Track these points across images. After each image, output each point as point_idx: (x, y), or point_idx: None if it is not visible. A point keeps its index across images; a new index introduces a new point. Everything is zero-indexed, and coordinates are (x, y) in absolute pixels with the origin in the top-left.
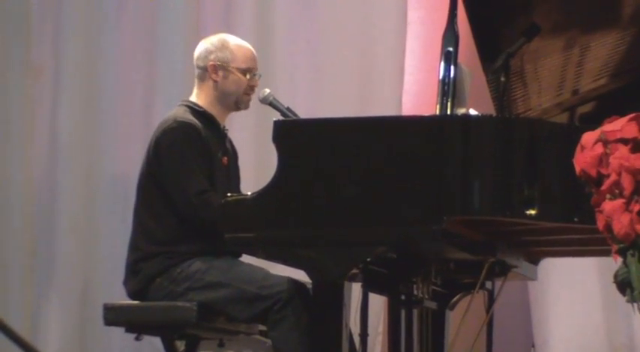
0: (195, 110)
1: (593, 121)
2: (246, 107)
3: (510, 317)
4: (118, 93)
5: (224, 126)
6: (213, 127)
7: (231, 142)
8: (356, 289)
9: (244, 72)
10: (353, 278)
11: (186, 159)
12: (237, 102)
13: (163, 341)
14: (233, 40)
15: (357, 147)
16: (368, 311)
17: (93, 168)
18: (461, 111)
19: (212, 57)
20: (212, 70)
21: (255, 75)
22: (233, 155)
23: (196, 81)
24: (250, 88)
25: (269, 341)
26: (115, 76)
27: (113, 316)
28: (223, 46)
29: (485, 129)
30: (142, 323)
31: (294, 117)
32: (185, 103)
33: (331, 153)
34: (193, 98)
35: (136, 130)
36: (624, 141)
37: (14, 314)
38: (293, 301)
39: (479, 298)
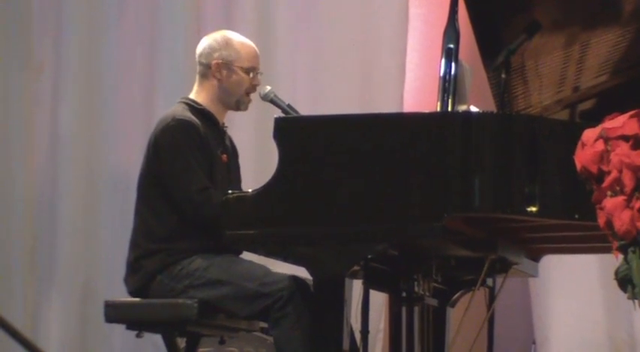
0: (194, 107)
1: (593, 118)
2: (246, 109)
3: (511, 314)
4: (119, 90)
5: (223, 123)
6: (212, 125)
7: (230, 140)
8: (357, 286)
9: (247, 71)
10: (354, 275)
11: (186, 156)
12: (238, 102)
13: (164, 338)
14: (237, 38)
15: (358, 144)
16: (369, 308)
17: (94, 166)
18: (462, 108)
19: (216, 55)
20: (216, 69)
21: (257, 74)
22: (233, 152)
23: (198, 77)
24: (252, 88)
25: (270, 339)
26: (115, 73)
27: (114, 313)
28: (227, 44)
29: (486, 126)
30: (142, 320)
31: (295, 114)
32: (184, 101)
33: (332, 150)
34: (193, 95)
35: (136, 127)
36: (625, 137)
37: (15, 311)
38: (294, 299)
39: (480, 295)
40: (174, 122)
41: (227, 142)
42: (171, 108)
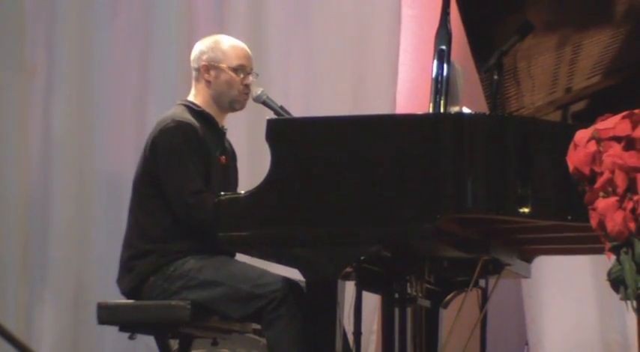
0: (193, 110)
1: (586, 119)
2: (242, 107)
3: (504, 315)
4: (111, 93)
5: (222, 126)
6: (212, 126)
7: (229, 143)
8: (350, 287)
9: (236, 70)
10: (347, 277)
11: (183, 159)
12: (231, 102)
13: (157, 340)
14: (226, 40)
15: (350, 146)
16: (362, 310)
17: (86, 168)
18: (454, 109)
19: (204, 57)
20: (204, 70)
21: (248, 73)
22: (232, 155)
23: (193, 82)
24: (245, 87)
25: (263, 340)
26: (108, 76)
27: (107, 315)
28: (215, 46)
29: (478, 128)
30: (135, 322)
31: (288, 116)
32: (183, 103)
33: (325, 152)
34: (191, 98)
35: (129, 129)
36: (617, 138)
37: (8, 313)
38: (288, 300)
39: (472, 296)
40: (173, 124)
41: (226, 144)
42: (171, 109)
